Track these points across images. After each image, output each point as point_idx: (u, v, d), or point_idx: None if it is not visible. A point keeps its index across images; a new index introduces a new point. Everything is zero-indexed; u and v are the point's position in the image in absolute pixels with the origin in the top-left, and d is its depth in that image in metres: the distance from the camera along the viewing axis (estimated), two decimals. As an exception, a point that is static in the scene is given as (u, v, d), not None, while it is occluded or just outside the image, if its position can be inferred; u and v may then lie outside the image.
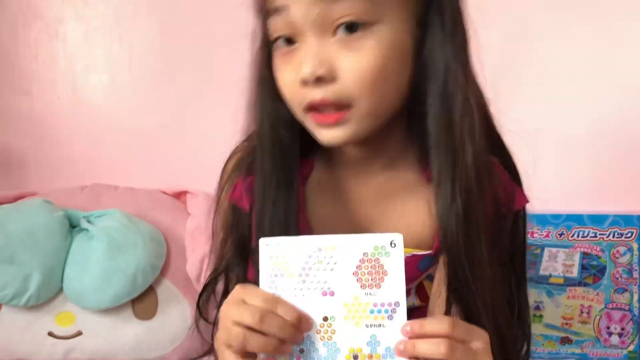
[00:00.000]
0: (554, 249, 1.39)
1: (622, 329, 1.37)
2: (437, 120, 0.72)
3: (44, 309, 1.23)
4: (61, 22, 1.58)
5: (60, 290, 1.23)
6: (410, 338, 0.64)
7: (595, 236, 1.38)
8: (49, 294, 1.22)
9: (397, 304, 0.65)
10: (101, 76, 1.59)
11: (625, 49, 1.39)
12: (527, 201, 0.82)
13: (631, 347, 1.38)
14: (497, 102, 0.80)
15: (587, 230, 1.39)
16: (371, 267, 0.65)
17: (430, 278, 0.82)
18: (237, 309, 0.65)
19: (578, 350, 1.39)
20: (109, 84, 1.59)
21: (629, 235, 1.38)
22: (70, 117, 1.61)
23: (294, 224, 0.76)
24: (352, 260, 0.66)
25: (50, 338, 1.23)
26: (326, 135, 0.72)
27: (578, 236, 1.39)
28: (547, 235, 1.39)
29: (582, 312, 1.39)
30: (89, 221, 1.26)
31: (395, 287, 0.65)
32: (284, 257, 0.67)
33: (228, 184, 0.84)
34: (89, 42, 1.58)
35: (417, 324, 0.64)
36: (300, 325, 0.64)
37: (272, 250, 0.67)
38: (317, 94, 0.69)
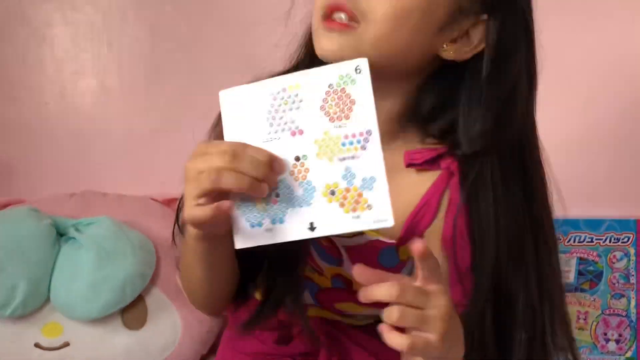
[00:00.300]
0: (550, 255, 1.38)
1: (620, 335, 1.37)
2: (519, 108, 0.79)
3: (31, 319, 1.21)
4: (49, 26, 1.57)
5: (47, 300, 1.21)
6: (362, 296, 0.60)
7: (592, 241, 1.38)
8: (36, 304, 1.20)
9: (369, 132, 0.62)
10: (90, 81, 1.58)
11: (622, 53, 1.39)
12: None
13: (629, 354, 1.36)
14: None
15: (583, 236, 1.38)
16: (337, 98, 0.63)
17: None
18: (202, 159, 0.62)
19: (575, 357, 1.38)
20: (97, 89, 1.58)
21: (626, 240, 1.37)
22: (58, 123, 1.59)
23: None
24: (318, 95, 0.63)
25: (37, 350, 1.22)
26: (324, 43, 0.73)
27: (574, 241, 1.38)
28: (543, 241, 1.38)
29: (579, 318, 1.38)
30: (77, 229, 1.25)
31: (365, 115, 0.62)
32: (247, 104, 0.65)
33: None
34: (78, 46, 1.57)
35: (367, 291, 0.60)
36: (274, 167, 0.63)
37: (233, 99, 0.66)
38: None
